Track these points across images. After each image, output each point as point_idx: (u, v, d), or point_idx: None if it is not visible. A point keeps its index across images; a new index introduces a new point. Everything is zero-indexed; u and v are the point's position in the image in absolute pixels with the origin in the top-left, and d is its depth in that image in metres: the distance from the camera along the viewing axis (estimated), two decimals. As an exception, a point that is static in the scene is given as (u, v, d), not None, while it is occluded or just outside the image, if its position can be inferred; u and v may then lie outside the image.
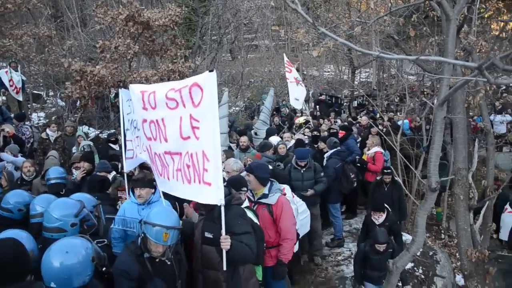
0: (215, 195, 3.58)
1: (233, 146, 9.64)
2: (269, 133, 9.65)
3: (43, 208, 3.54)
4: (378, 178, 7.72)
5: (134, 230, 4.24)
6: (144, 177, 4.65)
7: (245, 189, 4.55)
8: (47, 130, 9.32)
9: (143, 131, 4.30)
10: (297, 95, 11.83)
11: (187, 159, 3.75)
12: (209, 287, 3.86)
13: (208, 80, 3.50)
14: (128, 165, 5.60)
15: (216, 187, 3.56)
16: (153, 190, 4.56)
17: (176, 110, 3.76)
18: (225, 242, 3.63)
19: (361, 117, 13.40)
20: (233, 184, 4.48)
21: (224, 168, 5.93)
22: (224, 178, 4.25)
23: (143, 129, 4.29)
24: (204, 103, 3.52)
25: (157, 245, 3.36)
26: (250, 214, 4.37)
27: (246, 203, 4.51)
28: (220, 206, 3.64)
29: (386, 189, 7.37)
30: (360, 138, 10.34)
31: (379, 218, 6.09)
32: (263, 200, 4.85)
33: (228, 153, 7.68)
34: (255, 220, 4.40)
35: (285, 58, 12.48)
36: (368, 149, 8.80)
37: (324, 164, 8.10)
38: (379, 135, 9.45)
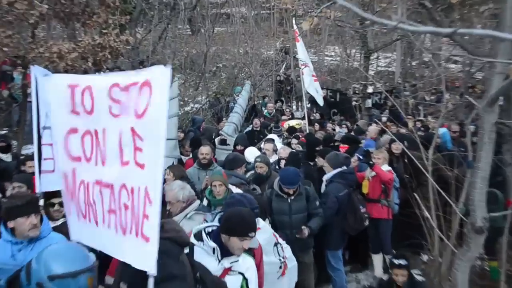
0: (149, 257, 3.47)
1: (185, 158, 9.80)
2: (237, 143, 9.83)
3: None
4: (384, 279, 7.08)
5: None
6: (28, 198, 4.58)
7: (253, 234, 4.47)
8: None
9: (66, 148, 4.18)
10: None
11: (125, 195, 3.68)
12: None
13: (160, 79, 3.43)
14: (45, 183, 5.46)
15: (153, 244, 3.48)
16: (38, 218, 4.51)
17: (119, 119, 3.70)
18: None
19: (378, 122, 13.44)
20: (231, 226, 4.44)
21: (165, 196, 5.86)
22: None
23: (66, 143, 4.17)
24: (151, 112, 3.44)
25: None
26: (248, 257, 4.56)
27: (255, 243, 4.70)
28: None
29: None
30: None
31: None
32: None
33: (176, 169, 7.65)
34: (252, 263, 4.56)
35: (294, 26, 12.53)
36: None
37: (322, 189, 8.12)
38: (402, 152, 9.51)
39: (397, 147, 9.75)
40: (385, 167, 8.72)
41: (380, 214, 8.72)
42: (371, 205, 8.64)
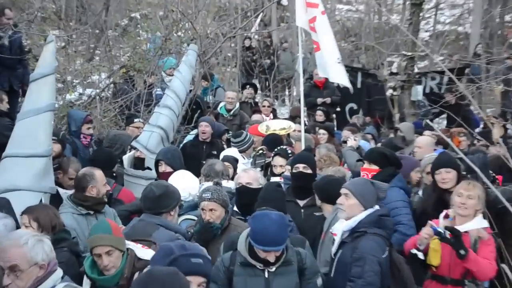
0: None
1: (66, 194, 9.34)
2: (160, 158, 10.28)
3: None
4: None
5: None
6: None
7: None
8: None
9: None
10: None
11: None
12: None
13: None
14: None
15: None
16: None
17: None
18: None
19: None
20: None
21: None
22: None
23: None
24: None
25: None
26: None
27: None
28: None
29: None
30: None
31: None
32: None
33: (42, 214, 7.31)
34: None
35: None
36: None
37: (331, 247, 7.84)
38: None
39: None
40: (480, 221, 7.94)
41: None
42: None
